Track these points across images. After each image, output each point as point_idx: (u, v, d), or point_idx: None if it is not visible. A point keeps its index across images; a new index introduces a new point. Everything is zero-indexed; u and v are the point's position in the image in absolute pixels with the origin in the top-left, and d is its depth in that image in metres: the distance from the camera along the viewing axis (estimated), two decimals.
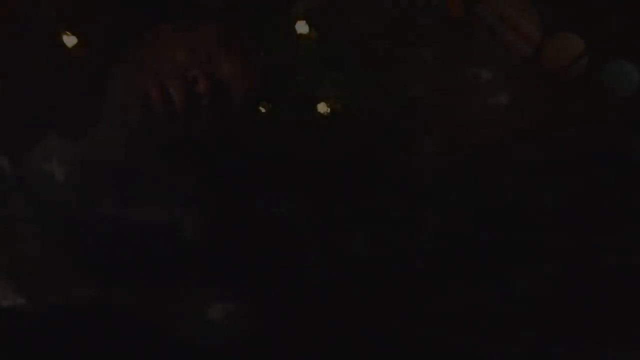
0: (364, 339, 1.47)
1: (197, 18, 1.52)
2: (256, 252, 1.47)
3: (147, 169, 1.43)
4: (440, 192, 1.58)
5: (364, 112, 1.60)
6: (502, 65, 1.78)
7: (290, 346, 1.44)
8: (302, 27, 1.61)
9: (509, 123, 1.70)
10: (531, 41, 1.83)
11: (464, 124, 1.65)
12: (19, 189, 1.38)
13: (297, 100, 1.60)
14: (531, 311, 1.51)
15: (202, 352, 1.39)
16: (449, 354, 1.49)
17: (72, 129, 1.43)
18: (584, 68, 1.80)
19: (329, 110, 1.59)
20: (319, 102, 1.59)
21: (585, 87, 1.78)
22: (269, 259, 1.48)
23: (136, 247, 1.39)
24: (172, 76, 1.41)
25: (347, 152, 1.58)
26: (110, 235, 1.39)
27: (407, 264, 1.53)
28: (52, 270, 1.36)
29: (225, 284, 1.42)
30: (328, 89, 1.59)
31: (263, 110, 1.58)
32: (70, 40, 1.48)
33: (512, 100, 1.71)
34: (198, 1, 1.64)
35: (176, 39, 1.47)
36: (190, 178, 1.46)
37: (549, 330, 1.51)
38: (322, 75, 1.60)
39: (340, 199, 1.55)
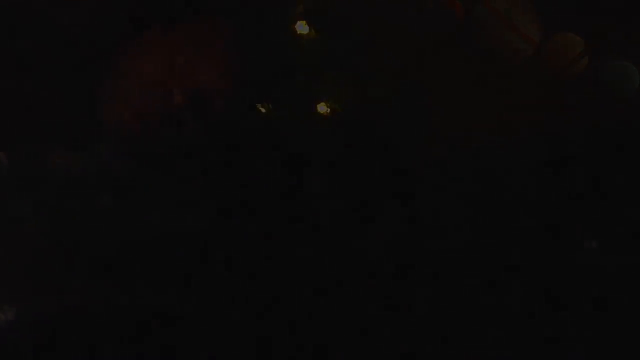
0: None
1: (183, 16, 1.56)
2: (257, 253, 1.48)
3: (150, 178, 1.45)
4: (440, 192, 1.58)
5: (364, 112, 1.60)
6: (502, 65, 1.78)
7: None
8: (302, 27, 1.61)
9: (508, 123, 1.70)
10: (531, 41, 1.83)
11: (464, 124, 1.65)
12: (16, 185, 1.38)
13: (297, 100, 1.60)
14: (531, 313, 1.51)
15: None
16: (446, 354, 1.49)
17: (77, 141, 1.45)
18: (584, 68, 1.80)
19: (329, 110, 1.59)
20: (319, 102, 1.59)
21: (585, 87, 1.78)
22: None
23: (140, 255, 1.40)
24: (150, 89, 1.46)
25: (347, 152, 1.58)
26: (113, 241, 1.40)
27: (408, 264, 1.53)
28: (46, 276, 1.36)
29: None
30: (328, 89, 1.59)
31: (263, 110, 1.58)
32: None
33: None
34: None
35: (154, 49, 1.50)
36: (192, 184, 1.48)
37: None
38: (322, 75, 1.60)
39: (340, 198, 1.55)
